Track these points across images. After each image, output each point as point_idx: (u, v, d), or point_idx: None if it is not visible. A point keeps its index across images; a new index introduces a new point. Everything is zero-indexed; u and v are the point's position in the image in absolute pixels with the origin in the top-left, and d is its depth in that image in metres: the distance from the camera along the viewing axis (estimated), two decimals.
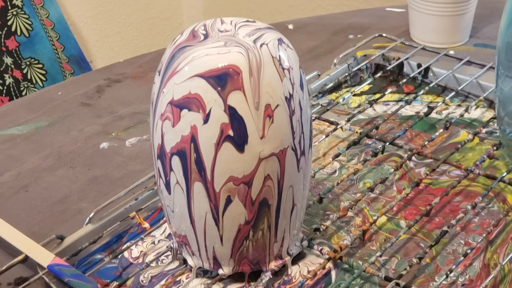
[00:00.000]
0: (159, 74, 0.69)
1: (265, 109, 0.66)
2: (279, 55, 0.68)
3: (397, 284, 0.73)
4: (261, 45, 0.68)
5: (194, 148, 0.67)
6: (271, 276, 0.75)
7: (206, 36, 0.69)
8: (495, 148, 0.91)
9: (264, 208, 0.70)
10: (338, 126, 0.96)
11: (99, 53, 2.00)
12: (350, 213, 0.84)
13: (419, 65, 1.10)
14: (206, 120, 0.66)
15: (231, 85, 0.65)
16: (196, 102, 0.66)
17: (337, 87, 1.08)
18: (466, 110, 0.99)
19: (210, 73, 0.65)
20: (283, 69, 0.68)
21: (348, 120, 0.97)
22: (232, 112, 0.66)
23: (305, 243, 0.78)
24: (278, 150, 0.68)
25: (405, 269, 0.74)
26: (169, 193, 0.71)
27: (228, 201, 0.69)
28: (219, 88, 0.65)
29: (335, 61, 1.10)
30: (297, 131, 0.69)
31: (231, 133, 0.66)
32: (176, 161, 0.68)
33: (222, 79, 0.65)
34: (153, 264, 0.78)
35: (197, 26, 0.71)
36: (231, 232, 0.71)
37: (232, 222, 0.70)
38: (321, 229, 0.80)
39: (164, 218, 0.81)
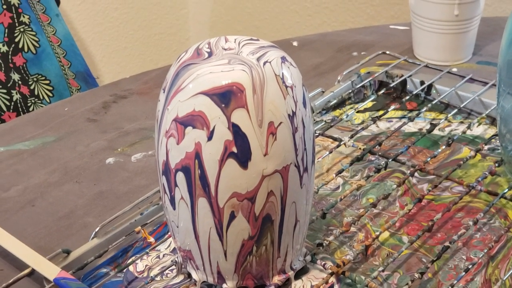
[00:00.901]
0: (164, 92, 0.70)
1: (268, 127, 0.67)
2: (282, 73, 0.69)
3: None
4: (264, 63, 0.69)
5: (199, 164, 0.68)
6: None
7: (210, 54, 0.71)
8: (497, 164, 0.92)
9: (267, 223, 0.71)
10: (342, 143, 0.97)
11: (105, 69, 2.01)
12: (353, 229, 0.85)
13: (422, 82, 1.11)
14: (210, 137, 0.67)
15: (234, 102, 0.66)
16: (200, 119, 0.67)
17: (340, 104, 1.09)
18: (469, 127, 1.00)
19: (214, 90, 0.67)
20: (286, 87, 0.69)
21: (352, 137, 0.98)
22: (235, 130, 0.67)
23: (308, 258, 0.79)
24: (281, 167, 0.69)
25: (407, 284, 0.75)
26: (174, 209, 0.72)
27: (232, 216, 0.70)
28: (223, 106, 0.66)
29: (339, 78, 1.11)
30: (300, 148, 0.70)
31: (234, 150, 0.67)
32: (180, 177, 0.69)
33: (226, 97, 0.66)
34: (158, 278, 0.79)
35: (202, 44, 0.72)
36: (235, 247, 0.72)
37: (236, 238, 0.71)
38: (324, 244, 0.81)
39: (169, 233, 0.82)
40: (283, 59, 0.71)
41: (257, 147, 0.67)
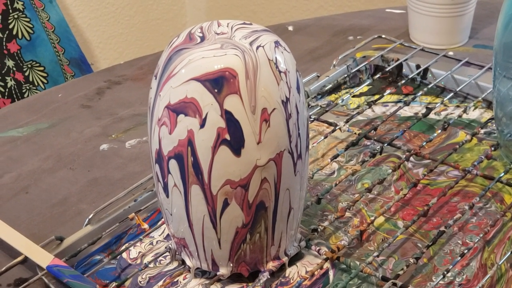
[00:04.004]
0: (156, 78, 0.69)
1: (261, 113, 0.67)
2: (276, 58, 0.69)
3: (394, 284, 0.73)
4: (257, 48, 0.68)
5: (191, 151, 0.67)
6: (269, 277, 0.75)
7: (202, 38, 0.70)
8: (493, 148, 0.91)
9: (261, 211, 0.70)
10: (337, 127, 0.96)
11: (102, 55, 2.00)
12: (348, 214, 0.85)
13: (418, 66, 1.10)
14: (202, 125, 0.66)
15: (227, 88, 0.66)
16: (193, 107, 0.66)
17: (336, 89, 1.09)
18: (465, 111, 0.99)
19: (206, 76, 0.66)
20: (280, 72, 0.68)
21: (347, 121, 0.98)
22: (228, 117, 0.66)
23: (303, 243, 0.78)
24: (274, 154, 0.68)
25: (402, 269, 0.75)
26: (167, 196, 0.71)
27: (225, 204, 0.69)
28: (215, 92, 0.66)
29: (334, 63, 1.10)
30: (294, 134, 0.70)
31: (227, 137, 0.66)
32: (173, 165, 0.69)
33: (218, 83, 0.66)
34: (152, 265, 0.78)
35: (194, 28, 0.72)
36: (228, 235, 0.71)
37: (230, 225, 0.71)
38: (319, 230, 0.81)
39: (163, 219, 0.81)
40: (277, 43, 0.70)
41: (250, 134, 0.67)
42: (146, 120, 1.01)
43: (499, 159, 0.92)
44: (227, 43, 0.69)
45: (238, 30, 0.71)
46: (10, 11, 1.44)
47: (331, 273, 0.77)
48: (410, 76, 1.09)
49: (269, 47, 0.69)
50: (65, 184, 0.92)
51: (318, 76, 1.08)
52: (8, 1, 1.44)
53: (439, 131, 0.95)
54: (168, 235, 0.82)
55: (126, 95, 1.11)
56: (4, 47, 1.43)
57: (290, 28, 1.29)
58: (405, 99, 1.06)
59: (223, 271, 0.74)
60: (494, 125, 0.95)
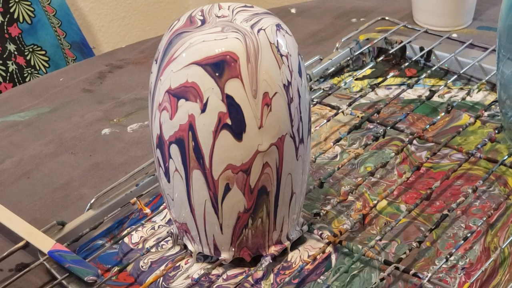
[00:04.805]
0: (156, 63, 0.69)
1: (263, 97, 0.66)
2: (277, 41, 0.68)
3: (397, 268, 0.73)
4: (258, 31, 0.68)
5: (192, 136, 0.67)
6: (271, 261, 0.75)
7: (203, 21, 0.69)
8: (496, 131, 0.91)
9: (263, 195, 0.70)
10: (340, 111, 0.96)
11: (104, 38, 2.00)
12: (350, 198, 0.84)
13: (421, 49, 1.09)
14: (203, 110, 0.66)
15: (228, 72, 0.65)
16: (193, 91, 0.66)
17: (339, 72, 1.08)
18: (468, 94, 0.98)
19: (207, 60, 0.65)
20: (281, 55, 0.68)
21: (350, 105, 0.97)
22: (229, 101, 0.66)
23: (305, 227, 0.78)
24: (276, 139, 0.68)
25: (405, 253, 0.74)
26: (169, 181, 0.71)
27: (227, 189, 0.69)
28: (216, 75, 0.65)
29: (337, 45, 1.10)
30: (296, 118, 0.69)
31: (228, 121, 0.66)
32: (174, 149, 0.68)
33: (219, 67, 0.65)
34: (153, 250, 0.78)
35: (194, 11, 0.71)
36: (230, 220, 0.71)
37: (232, 210, 0.70)
38: (321, 214, 0.80)
39: (165, 204, 0.81)
40: (278, 26, 0.69)
41: (252, 119, 0.66)
42: (148, 105, 1.01)
43: (502, 142, 0.91)
44: (228, 26, 0.68)
45: (239, 13, 0.70)
46: None
47: (333, 257, 0.77)
48: (413, 59, 1.08)
49: (271, 30, 0.68)
50: (67, 168, 0.92)
51: (321, 59, 1.07)
52: None
53: (443, 113, 0.95)
54: (170, 219, 0.82)
55: (128, 79, 1.10)
56: (5, 31, 1.42)
57: (293, 10, 1.28)
58: (408, 81, 1.05)
59: (225, 255, 0.74)
60: (498, 107, 0.94)
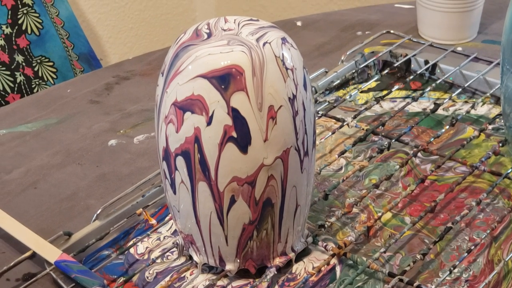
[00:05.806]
0: (162, 75, 0.69)
1: (268, 110, 0.67)
2: (283, 54, 0.69)
3: (401, 280, 0.73)
4: (264, 44, 0.68)
5: (198, 148, 0.67)
6: (276, 272, 0.75)
7: (209, 35, 0.70)
8: (500, 144, 0.91)
9: (268, 207, 0.71)
10: (345, 123, 0.97)
11: (112, 49, 2.01)
12: (355, 210, 0.85)
13: (426, 62, 1.10)
14: (209, 123, 0.67)
15: (234, 85, 0.66)
16: (199, 104, 0.66)
17: (344, 84, 1.09)
18: (473, 107, 0.99)
19: (213, 73, 0.66)
20: (287, 69, 0.68)
21: (355, 117, 0.98)
22: (235, 114, 0.66)
23: (310, 239, 0.78)
24: (281, 152, 0.68)
25: (409, 265, 0.75)
26: (175, 193, 0.72)
27: (232, 200, 0.69)
28: (222, 88, 0.66)
29: (342, 58, 1.10)
30: (301, 131, 0.70)
31: (234, 134, 0.67)
32: (180, 161, 0.69)
33: (225, 80, 0.66)
34: (159, 260, 0.79)
35: (201, 25, 0.72)
36: (235, 232, 0.71)
37: (237, 222, 0.71)
38: (326, 226, 0.81)
39: (170, 215, 0.81)
40: (284, 40, 0.70)
41: (257, 131, 0.67)
42: (154, 116, 1.02)
43: (506, 155, 0.92)
44: (233, 39, 0.69)
45: (245, 26, 0.71)
46: (20, 6, 1.45)
47: (338, 269, 0.77)
48: (418, 72, 1.08)
49: (276, 44, 0.69)
50: (74, 179, 0.92)
51: (326, 72, 1.08)
52: None
53: (447, 127, 0.95)
54: (175, 230, 0.82)
55: (135, 91, 1.11)
56: (14, 42, 1.44)
57: (299, 23, 1.29)
58: (413, 94, 1.06)
59: (230, 267, 0.74)
60: (502, 121, 0.95)
